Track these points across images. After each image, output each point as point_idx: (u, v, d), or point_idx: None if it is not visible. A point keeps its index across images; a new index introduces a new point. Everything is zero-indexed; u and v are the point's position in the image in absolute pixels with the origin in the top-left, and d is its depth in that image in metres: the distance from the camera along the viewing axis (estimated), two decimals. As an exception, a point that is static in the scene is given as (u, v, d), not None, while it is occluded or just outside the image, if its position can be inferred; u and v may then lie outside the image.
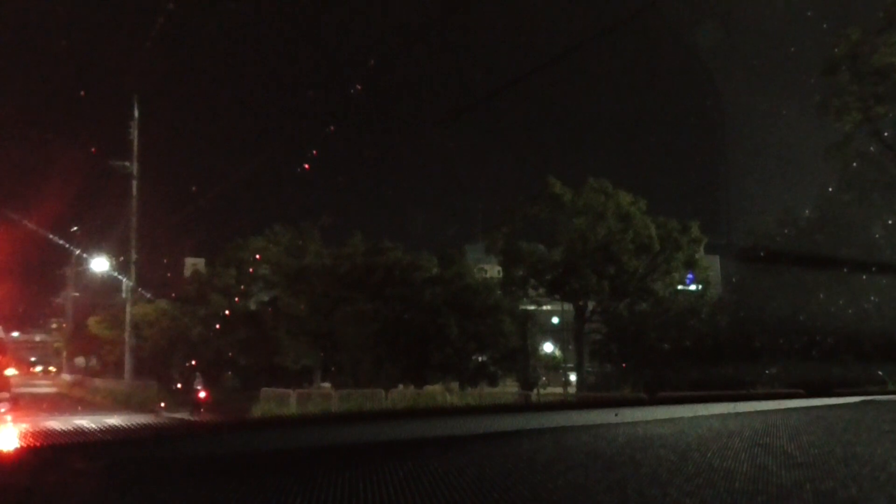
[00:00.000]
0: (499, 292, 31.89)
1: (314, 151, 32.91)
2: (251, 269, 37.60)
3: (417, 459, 2.36)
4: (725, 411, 4.13)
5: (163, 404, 30.30)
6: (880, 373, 17.82)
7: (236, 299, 38.01)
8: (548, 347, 42.07)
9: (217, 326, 36.60)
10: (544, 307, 37.38)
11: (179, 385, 35.03)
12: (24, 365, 61.55)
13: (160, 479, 2.19)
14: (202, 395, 28.80)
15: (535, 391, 30.50)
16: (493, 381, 31.05)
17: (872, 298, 20.59)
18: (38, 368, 62.66)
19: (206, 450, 2.91)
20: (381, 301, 30.46)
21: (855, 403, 4.75)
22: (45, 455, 2.56)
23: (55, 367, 58.11)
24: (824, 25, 24.73)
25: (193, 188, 52.77)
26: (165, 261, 43.85)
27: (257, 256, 36.40)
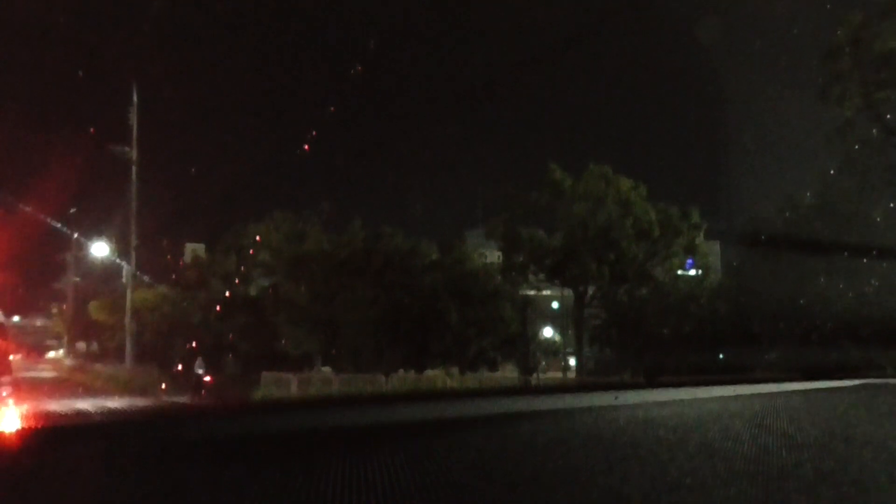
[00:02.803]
0: (499, 278, 31.88)
1: (313, 133, 32.63)
2: (251, 252, 37.56)
3: (419, 442, 2.36)
4: (725, 394, 4.14)
5: (163, 386, 30.30)
6: (878, 358, 17.85)
7: (236, 282, 38.01)
8: (547, 333, 42.14)
9: (217, 309, 36.63)
10: (544, 293, 37.38)
11: (179, 367, 35.09)
12: (28, 349, 61.53)
13: (162, 461, 2.19)
14: (207, 378, 28.84)
15: (534, 376, 30.57)
16: (493, 367, 31.11)
17: (872, 283, 20.59)
18: (52, 354, 62.28)
19: (208, 433, 2.92)
20: (381, 287, 30.45)
21: (854, 386, 4.77)
22: (47, 437, 2.56)
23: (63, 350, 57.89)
24: (828, 6, 24.55)
25: (192, 170, 52.42)
26: (165, 243, 43.64)
27: (257, 238, 36.32)
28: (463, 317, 29.55)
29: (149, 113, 38.05)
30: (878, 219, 20.79)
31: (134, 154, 36.74)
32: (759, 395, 4.16)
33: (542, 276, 32.37)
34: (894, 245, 19.49)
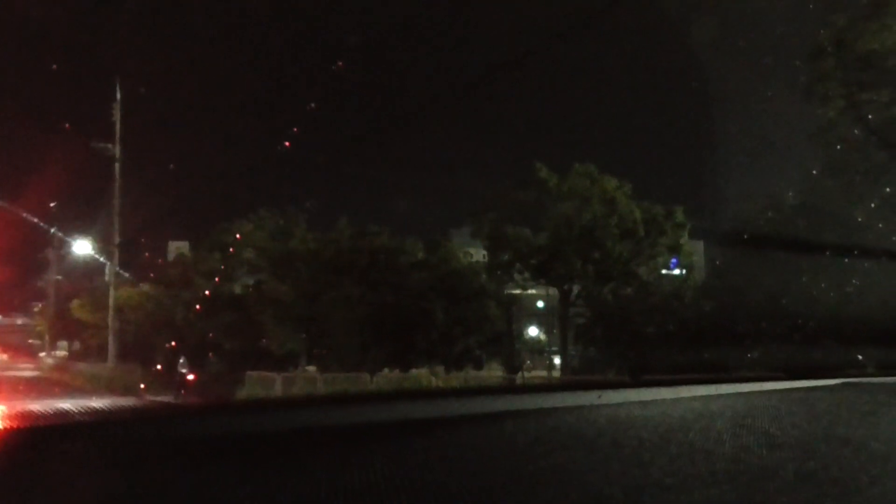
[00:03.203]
0: (484, 277, 31.93)
1: (294, 129, 32.71)
2: (232, 250, 37.36)
3: (400, 441, 2.35)
4: (708, 393, 4.15)
5: (142, 386, 30.02)
6: (860, 357, 18.04)
7: (217, 280, 37.81)
8: (533, 331, 42.29)
9: (197, 308, 36.45)
10: (529, 291, 37.47)
11: (159, 367, 34.88)
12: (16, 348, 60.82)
13: (145, 462, 2.17)
14: (190, 377, 28.72)
15: (519, 374, 30.66)
16: (478, 365, 31.16)
17: (854, 282, 20.80)
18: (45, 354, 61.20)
19: (191, 432, 2.89)
20: (367, 285, 30.42)
21: (835, 386, 4.79)
22: (27, 437, 2.53)
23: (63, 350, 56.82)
24: (810, 6, 24.74)
25: (171, 166, 52.21)
26: (143, 240, 43.25)
27: (237, 236, 36.13)
28: (448, 315, 29.58)
29: (133, 110, 37.81)
30: (861, 219, 21.00)
31: (117, 151, 36.49)
32: (742, 394, 4.17)
33: (527, 274, 32.45)
34: (876, 245, 19.70)
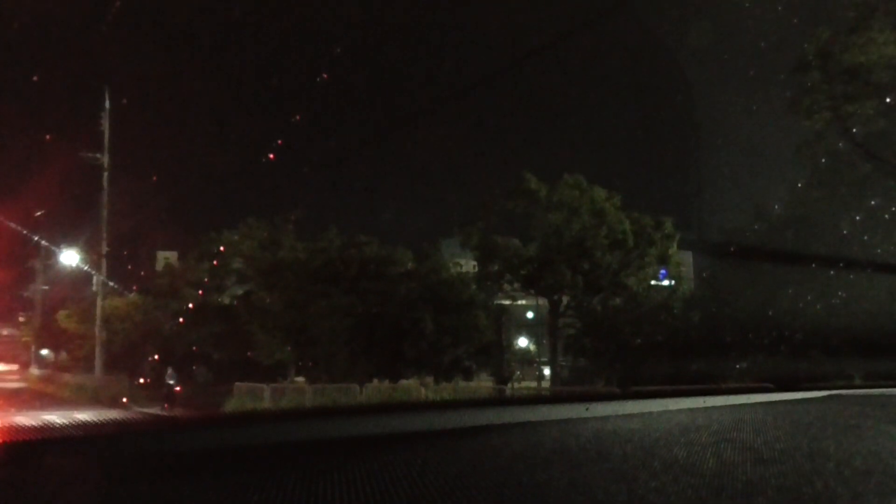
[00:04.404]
0: (474, 287, 31.94)
1: (279, 141, 32.85)
2: (216, 262, 37.19)
3: (382, 456, 2.33)
4: (694, 406, 4.14)
5: (125, 399, 29.74)
6: (847, 368, 18.11)
7: (201, 292, 37.63)
8: (522, 342, 42.32)
9: (182, 320, 36.25)
10: (519, 302, 37.51)
11: (142, 380, 34.63)
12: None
13: (130, 477, 2.15)
14: (177, 388, 28.56)
15: (509, 385, 30.63)
16: (467, 376, 31.12)
17: (840, 294, 20.94)
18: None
19: (177, 446, 2.86)
20: (356, 295, 30.36)
21: (821, 398, 4.81)
22: (11, 451, 2.49)
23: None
24: (795, 20, 25.02)
25: (154, 178, 52.13)
26: (126, 252, 42.97)
27: (221, 248, 35.99)
28: (438, 325, 29.54)
29: (122, 119, 37.68)
30: (846, 231, 21.17)
31: (105, 160, 36.34)
32: (728, 406, 4.17)
33: (517, 285, 32.50)
34: (862, 256, 19.85)
